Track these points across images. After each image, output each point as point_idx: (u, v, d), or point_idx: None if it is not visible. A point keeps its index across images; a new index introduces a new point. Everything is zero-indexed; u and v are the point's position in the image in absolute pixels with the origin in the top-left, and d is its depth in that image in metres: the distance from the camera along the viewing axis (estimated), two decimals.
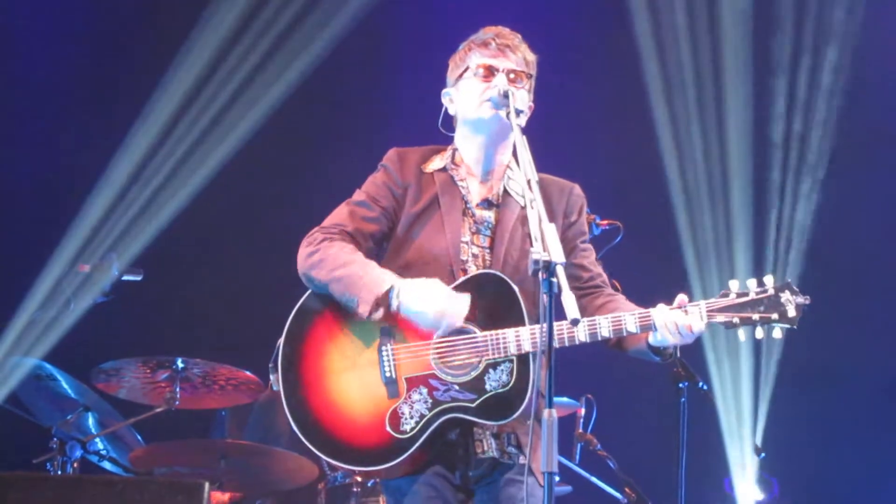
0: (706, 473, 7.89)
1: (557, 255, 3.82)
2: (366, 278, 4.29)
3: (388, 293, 4.27)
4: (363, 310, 4.28)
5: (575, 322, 3.84)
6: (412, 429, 4.29)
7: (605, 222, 5.95)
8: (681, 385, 5.95)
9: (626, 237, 6.02)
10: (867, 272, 8.35)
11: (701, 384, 6.04)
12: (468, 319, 4.32)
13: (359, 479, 6.47)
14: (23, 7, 8.39)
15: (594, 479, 6.81)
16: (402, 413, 4.30)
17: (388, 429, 4.29)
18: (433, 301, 4.25)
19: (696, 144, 8.49)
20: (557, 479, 4.41)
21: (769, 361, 8.24)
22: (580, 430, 6.82)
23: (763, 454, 6.97)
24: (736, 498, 7.83)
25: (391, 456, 4.29)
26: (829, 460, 8.27)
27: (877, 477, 8.29)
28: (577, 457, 6.82)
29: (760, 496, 7.64)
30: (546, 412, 3.74)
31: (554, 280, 3.80)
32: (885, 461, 8.28)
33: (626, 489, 6.64)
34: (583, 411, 6.85)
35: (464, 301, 4.27)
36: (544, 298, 3.80)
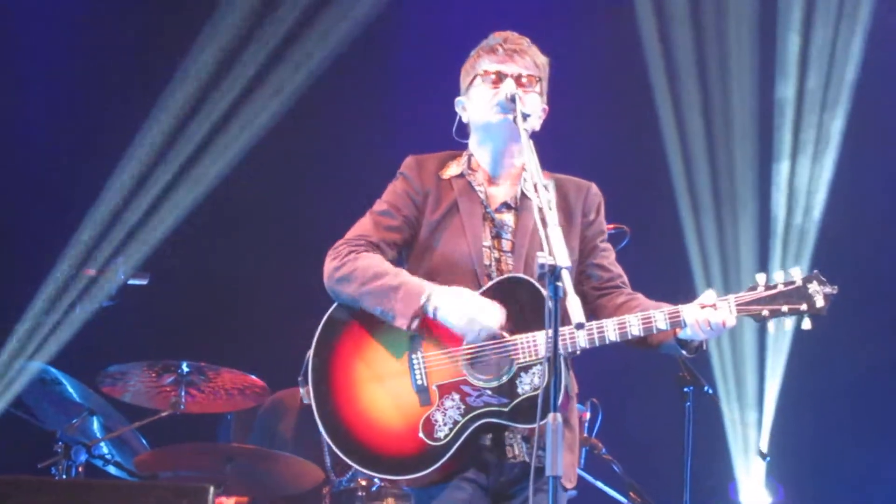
0: (711, 477, 7.89)
1: (563, 259, 3.81)
2: (402, 290, 4.29)
3: (423, 305, 4.27)
4: (401, 323, 4.29)
5: (579, 326, 3.84)
6: (446, 436, 4.29)
7: (611, 226, 5.95)
8: (686, 389, 5.95)
9: (633, 241, 6.02)
10: (872, 276, 8.33)
11: (706, 388, 6.04)
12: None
13: (363, 483, 6.46)
14: (26, 12, 8.40)
15: (599, 484, 6.80)
16: (436, 420, 4.30)
17: (422, 436, 4.29)
18: (468, 310, 4.25)
19: (701, 146, 8.49)
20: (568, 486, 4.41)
21: (774, 366, 8.24)
22: (585, 435, 6.81)
23: (768, 458, 6.97)
24: (741, 502, 7.83)
25: (426, 463, 4.29)
26: (834, 465, 8.26)
27: (882, 481, 8.28)
28: (582, 461, 6.81)
29: (766, 501, 7.64)
30: (551, 416, 3.74)
31: (559, 284, 3.80)
32: (891, 465, 8.27)
33: (631, 493, 6.63)
34: (588, 415, 6.84)
35: (497, 310, 4.28)
36: (550, 303, 3.80)
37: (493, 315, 4.26)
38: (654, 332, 4.32)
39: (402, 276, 4.34)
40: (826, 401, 8.27)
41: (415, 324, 4.28)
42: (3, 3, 8.42)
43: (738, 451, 8.14)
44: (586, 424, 6.82)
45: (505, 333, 4.31)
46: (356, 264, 4.37)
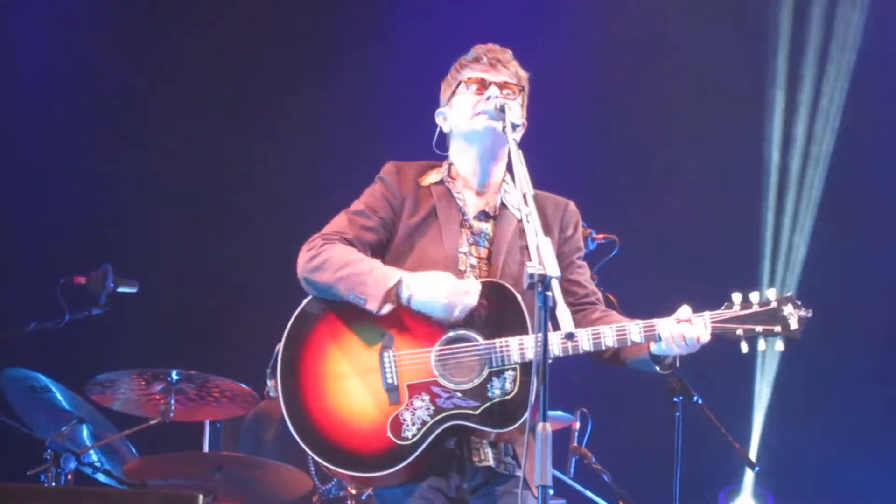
0: (701, 487, 7.90)
1: (552, 268, 3.82)
2: (375, 273, 4.30)
3: (397, 286, 4.28)
4: (372, 305, 4.29)
5: (570, 336, 3.85)
6: (414, 435, 4.29)
7: (601, 236, 5.96)
8: (675, 399, 5.95)
9: (622, 251, 6.03)
10: (862, 287, 8.36)
11: (695, 398, 6.04)
12: (471, 327, 4.33)
13: (353, 491, 6.45)
14: (24, 21, 8.40)
15: (589, 493, 6.80)
16: (404, 420, 4.30)
17: (389, 435, 4.29)
18: (444, 288, 4.26)
19: (692, 157, 8.51)
20: (552, 492, 4.42)
21: (764, 375, 8.25)
22: (575, 444, 6.82)
23: (757, 468, 6.98)
24: None
25: (392, 462, 4.28)
26: (824, 474, 8.27)
27: (871, 490, 8.29)
28: (572, 470, 6.82)
29: None
30: (540, 425, 3.74)
31: (549, 294, 3.81)
32: (880, 474, 8.28)
33: (621, 502, 6.64)
34: (577, 425, 6.85)
35: (475, 286, 4.29)
36: (539, 312, 3.81)
37: (473, 292, 4.27)
38: (629, 343, 4.34)
39: (376, 262, 4.36)
40: (815, 410, 8.30)
41: (385, 308, 4.28)
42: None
43: (727, 461, 8.14)
44: (576, 434, 6.83)
45: (476, 336, 4.32)
46: (330, 253, 4.38)
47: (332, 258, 4.37)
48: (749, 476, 7.93)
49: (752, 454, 8.06)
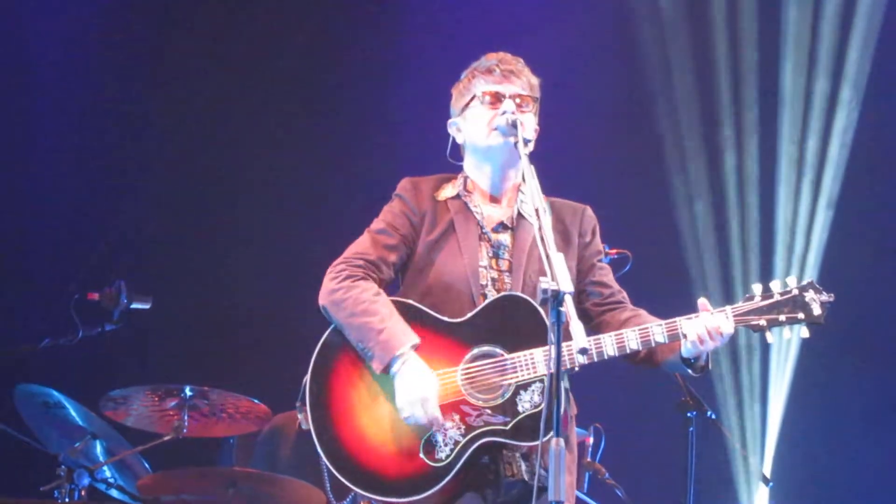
0: (714, 502, 7.88)
1: (566, 284, 3.81)
2: (382, 335, 4.30)
3: (392, 361, 4.29)
4: (376, 366, 4.31)
5: (583, 351, 3.84)
6: (447, 456, 4.29)
7: (614, 251, 5.95)
8: (689, 414, 5.95)
9: (636, 266, 6.02)
10: (877, 299, 8.33)
11: (709, 413, 6.04)
12: (494, 342, 4.34)
13: None
14: (41, 34, 8.44)
15: None
16: (436, 441, 4.30)
17: (423, 458, 4.29)
18: (415, 394, 4.26)
19: (705, 171, 8.50)
20: None
21: (777, 390, 8.23)
22: (588, 459, 6.81)
23: (771, 483, 6.96)
24: None
25: (428, 485, 4.28)
26: (838, 489, 8.24)
27: None
28: (586, 486, 6.81)
29: None
30: (553, 441, 3.73)
31: (562, 310, 3.80)
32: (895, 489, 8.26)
33: None
34: (591, 440, 6.84)
35: (434, 416, 4.27)
36: (552, 328, 3.80)
37: (431, 412, 4.26)
38: (653, 344, 4.34)
39: (389, 320, 4.33)
40: (830, 425, 8.27)
41: (389, 370, 4.29)
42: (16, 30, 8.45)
43: (741, 476, 8.13)
44: (590, 449, 6.82)
45: (501, 351, 4.32)
46: (350, 293, 4.38)
47: (350, 299, 4.36)
48: (763, 492, 7.90)
49: (767, 470, 8.04)
